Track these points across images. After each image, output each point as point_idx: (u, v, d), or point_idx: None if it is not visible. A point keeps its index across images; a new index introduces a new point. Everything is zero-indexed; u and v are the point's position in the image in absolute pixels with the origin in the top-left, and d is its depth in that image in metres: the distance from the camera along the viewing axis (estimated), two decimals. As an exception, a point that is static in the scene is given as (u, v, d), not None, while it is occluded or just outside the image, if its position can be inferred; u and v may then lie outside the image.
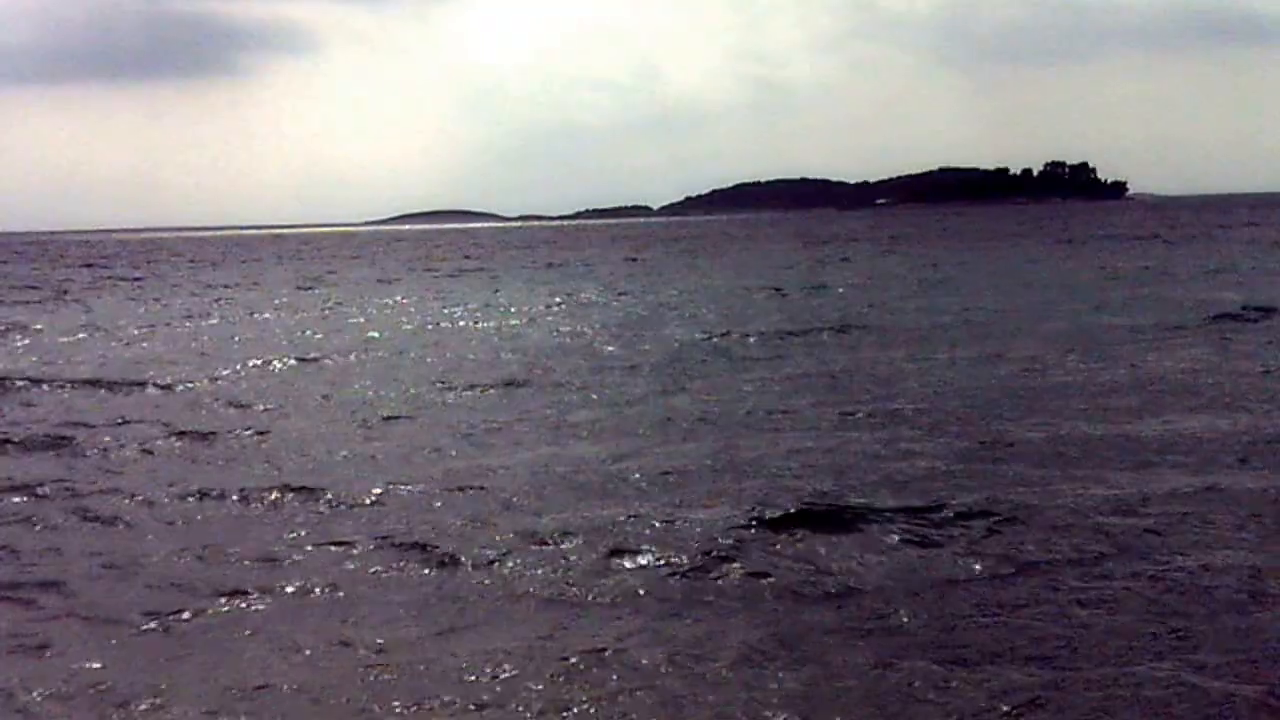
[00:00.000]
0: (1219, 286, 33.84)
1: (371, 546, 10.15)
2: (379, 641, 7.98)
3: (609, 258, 78.44)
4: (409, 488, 12.35)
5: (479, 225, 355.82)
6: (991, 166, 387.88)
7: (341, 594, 9.01)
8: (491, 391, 19.19)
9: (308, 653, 7.85)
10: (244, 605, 8.79)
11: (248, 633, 8.25)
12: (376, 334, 29.59)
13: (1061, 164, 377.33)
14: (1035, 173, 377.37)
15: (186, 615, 8.62)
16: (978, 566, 9.13)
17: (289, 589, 9.15)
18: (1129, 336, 23.09)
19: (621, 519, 10.64)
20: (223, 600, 8.90)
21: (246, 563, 9.86)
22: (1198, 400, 15.93)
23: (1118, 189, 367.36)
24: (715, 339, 25.57)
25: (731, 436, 14.59)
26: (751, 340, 25.08)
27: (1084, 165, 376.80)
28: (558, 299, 39.92)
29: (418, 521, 10.98)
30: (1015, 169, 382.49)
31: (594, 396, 18.27)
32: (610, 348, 24.76)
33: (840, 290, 38.92)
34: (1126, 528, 9.94)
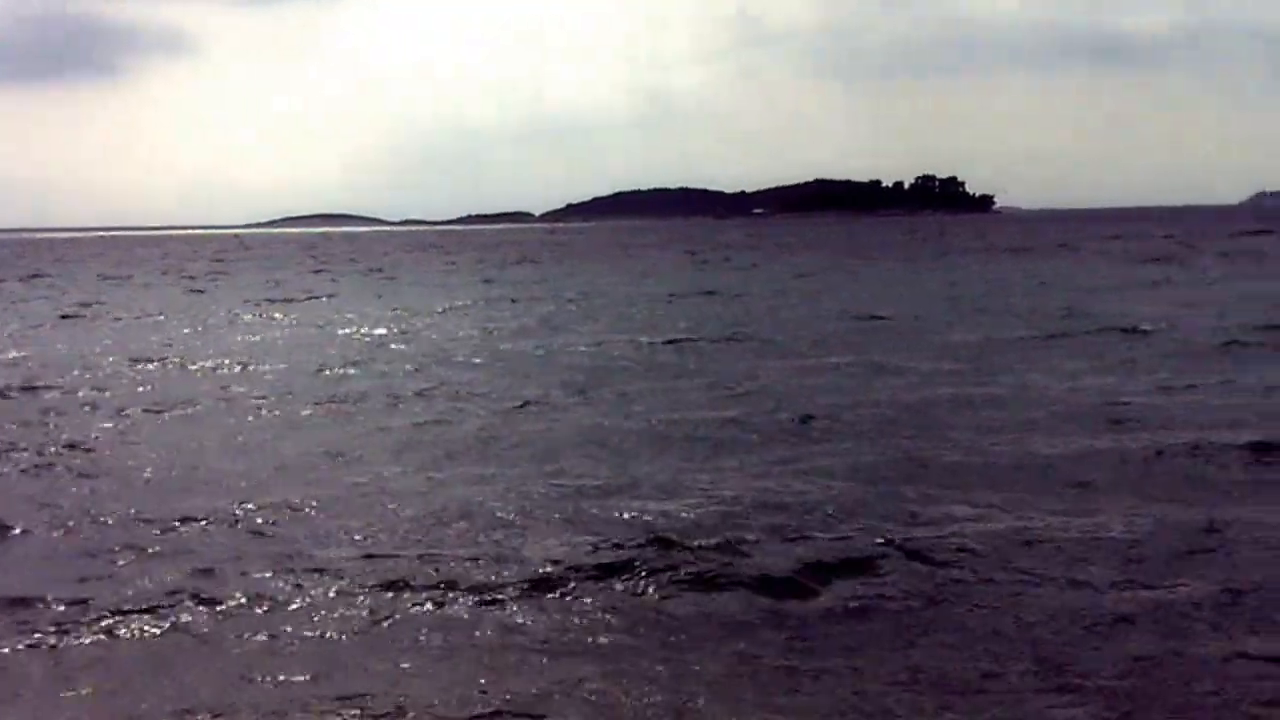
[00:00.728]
0: (1087, 300, 34.91)
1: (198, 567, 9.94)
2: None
3: (504, 260, 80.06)
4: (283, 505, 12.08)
5: (362, 229, 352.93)
6: (865, 179, 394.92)
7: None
8: (363, 403, 19.12)
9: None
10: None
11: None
12: (278, 344, 29.28)
13: (932, 177, 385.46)
14: (907, 185, 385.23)
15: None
16: (826, 605, 8.75)
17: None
18: (1009, 347, 23.81)
19: (453, 550, 10.23)
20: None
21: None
22: (1078, 417, 16.01)
23: (986, 202, 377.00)
24: (605, 347, 25.67)
25: (613, 457, 14.26)
26: (644, 349, 25.26)
27: (953, 179, 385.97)
28: (446, 306, 40.68)
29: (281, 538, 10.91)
30: (888, 181, 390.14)
31: (479, 411, 17.98)
32: (502, 354, 24.94)
33: (727, 298, 39.66)
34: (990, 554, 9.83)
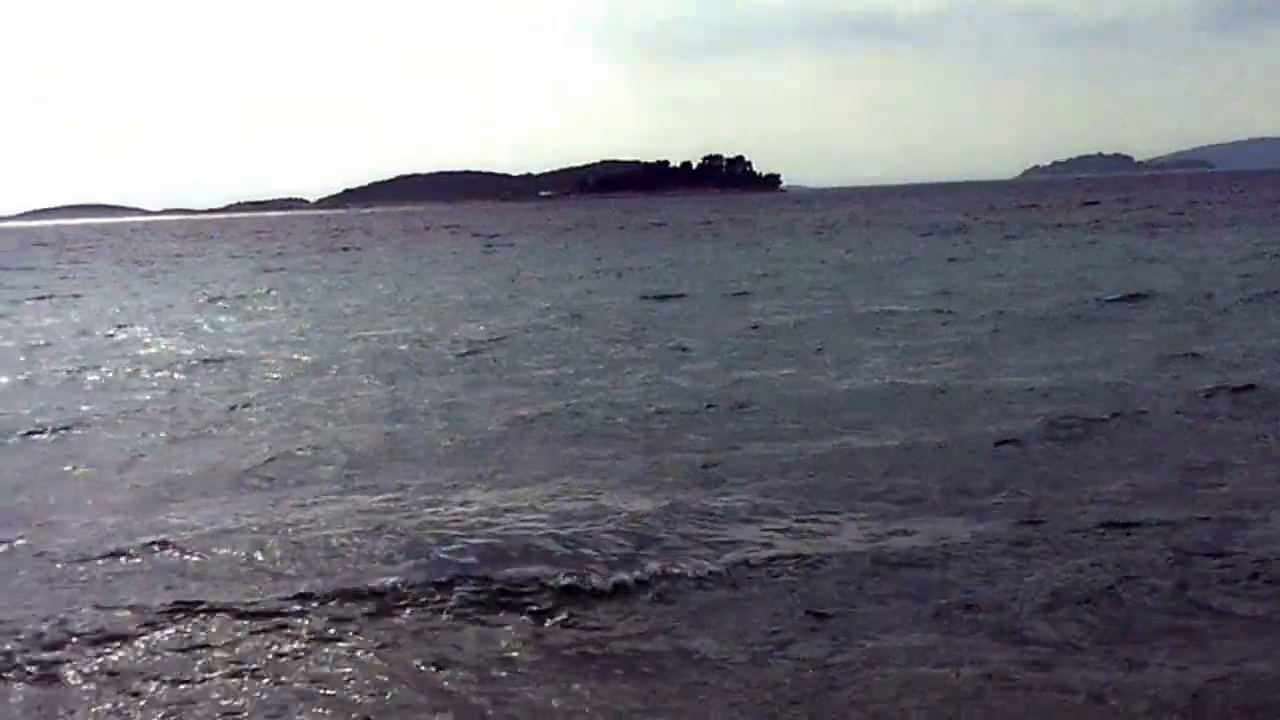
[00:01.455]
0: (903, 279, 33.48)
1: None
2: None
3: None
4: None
5: (121, 220, 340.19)
6: (652, 159, 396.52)
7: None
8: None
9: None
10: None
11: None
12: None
13: (719, 157, 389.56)
14: (694, 165, 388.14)
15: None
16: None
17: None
18: (822, 332, 22.13)
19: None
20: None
21: None
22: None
23: (773, 181, 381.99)
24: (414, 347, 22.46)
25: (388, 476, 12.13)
26: (462, 346, 22.07)
27: (740, 158, 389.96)
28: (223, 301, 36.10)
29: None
30: (675, 161, 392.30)
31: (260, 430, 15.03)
32: (283, 360, 21.44)
33: (531, 285, 37.35)
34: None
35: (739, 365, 18.43)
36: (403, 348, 22.37)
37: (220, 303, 35.35)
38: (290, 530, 9.88)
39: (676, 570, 8.59)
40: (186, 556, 9.35)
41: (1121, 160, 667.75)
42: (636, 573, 8.54)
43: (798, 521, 9.73)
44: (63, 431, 14.98)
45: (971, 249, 46.50)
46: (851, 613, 7.75)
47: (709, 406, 15.04)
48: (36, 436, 14.87)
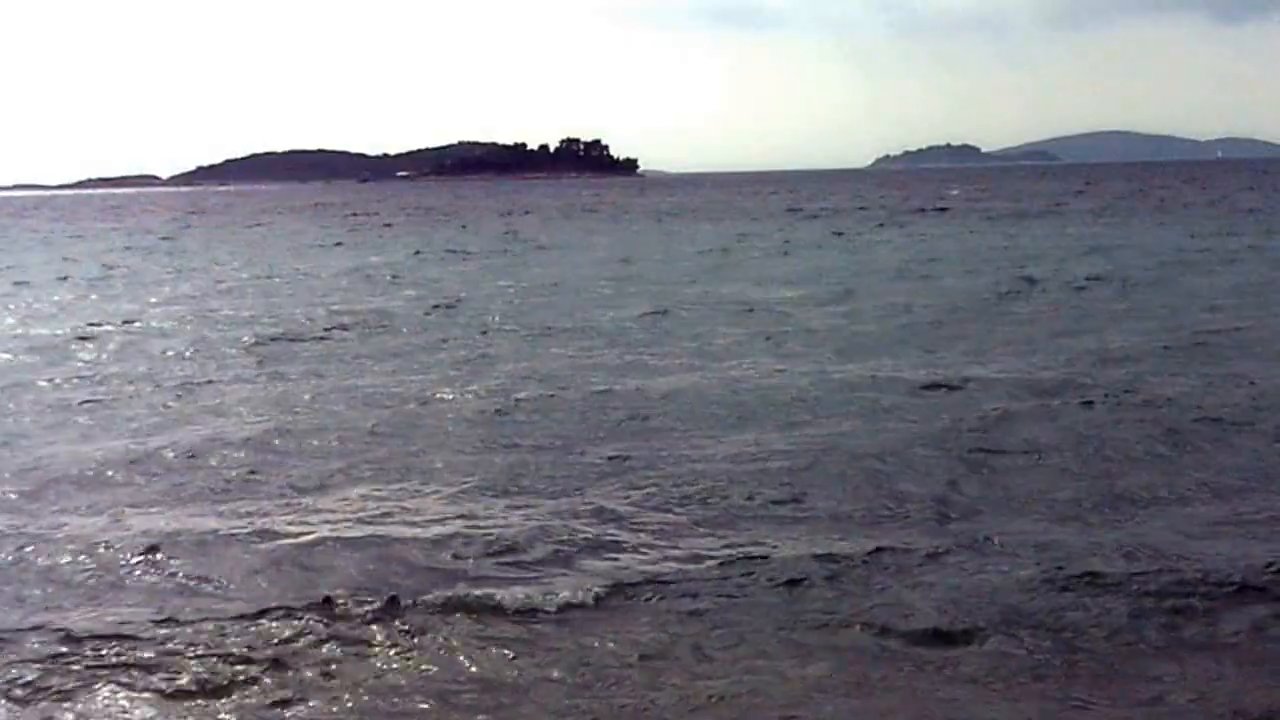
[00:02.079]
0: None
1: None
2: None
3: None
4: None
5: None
6: (510, 142, 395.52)
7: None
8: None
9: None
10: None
11: None
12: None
13: (576, 140, 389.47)
14: (553, 149, 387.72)
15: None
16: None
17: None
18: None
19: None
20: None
21: None
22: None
23: (630, 165, 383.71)
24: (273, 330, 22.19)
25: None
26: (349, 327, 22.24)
27: (598, 142, 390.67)
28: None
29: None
30: (534, 145, 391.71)
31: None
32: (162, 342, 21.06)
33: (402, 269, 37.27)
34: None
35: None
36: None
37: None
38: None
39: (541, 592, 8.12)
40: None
41: (969, 151, 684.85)
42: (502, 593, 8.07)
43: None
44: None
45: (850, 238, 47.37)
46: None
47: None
48: None
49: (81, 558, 9.10)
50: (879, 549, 8.82)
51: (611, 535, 9.39)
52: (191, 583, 8.61)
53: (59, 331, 22.87)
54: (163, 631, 7.58)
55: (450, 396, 15.29)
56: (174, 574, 8.78)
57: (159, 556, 9.08)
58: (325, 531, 9.55)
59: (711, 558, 8.78)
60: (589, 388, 15.51)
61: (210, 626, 7.65)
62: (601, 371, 16.87)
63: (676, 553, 8.94)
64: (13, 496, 10.91)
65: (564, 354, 18.66)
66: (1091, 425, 12.62)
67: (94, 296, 30.48)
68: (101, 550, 9.24)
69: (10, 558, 9.17)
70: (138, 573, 8.84)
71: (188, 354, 19.73)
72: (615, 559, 8.86)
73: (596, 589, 8.13)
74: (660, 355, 18.24)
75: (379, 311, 24.82)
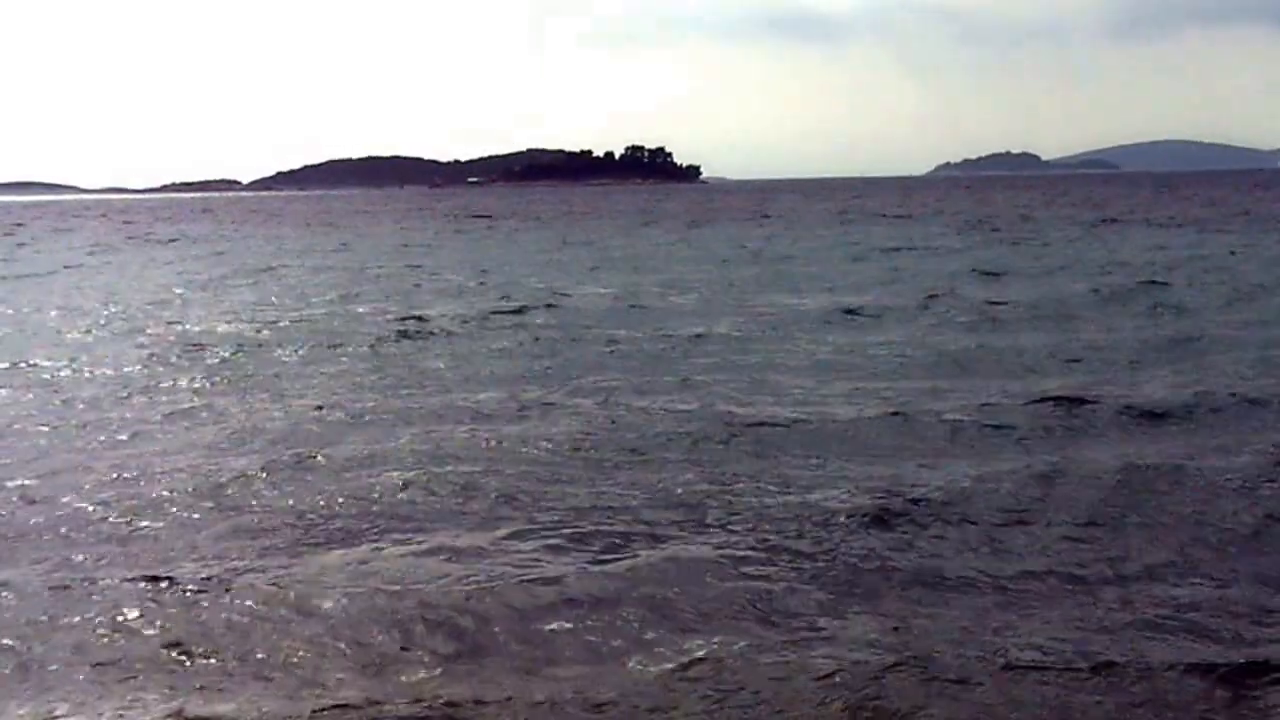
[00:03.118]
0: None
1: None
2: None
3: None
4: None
5: (58, 198, 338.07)
6: (578, 149, 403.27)
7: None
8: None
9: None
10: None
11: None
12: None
13: (641, 148, 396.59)
14: (618, 156, 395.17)
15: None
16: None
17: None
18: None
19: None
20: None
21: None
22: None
23: (693, 172, 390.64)
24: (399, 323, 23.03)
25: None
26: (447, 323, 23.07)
27: (661, 149, 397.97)
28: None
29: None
30: (599, 152, 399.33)
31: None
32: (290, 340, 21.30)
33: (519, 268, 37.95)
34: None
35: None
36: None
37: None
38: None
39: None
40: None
41: (1030, 159, 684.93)
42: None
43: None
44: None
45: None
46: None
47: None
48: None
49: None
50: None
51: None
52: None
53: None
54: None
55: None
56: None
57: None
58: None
59: None
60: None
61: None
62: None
63: None
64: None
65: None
66: None
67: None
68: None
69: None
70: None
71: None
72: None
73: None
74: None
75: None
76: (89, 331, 23.50)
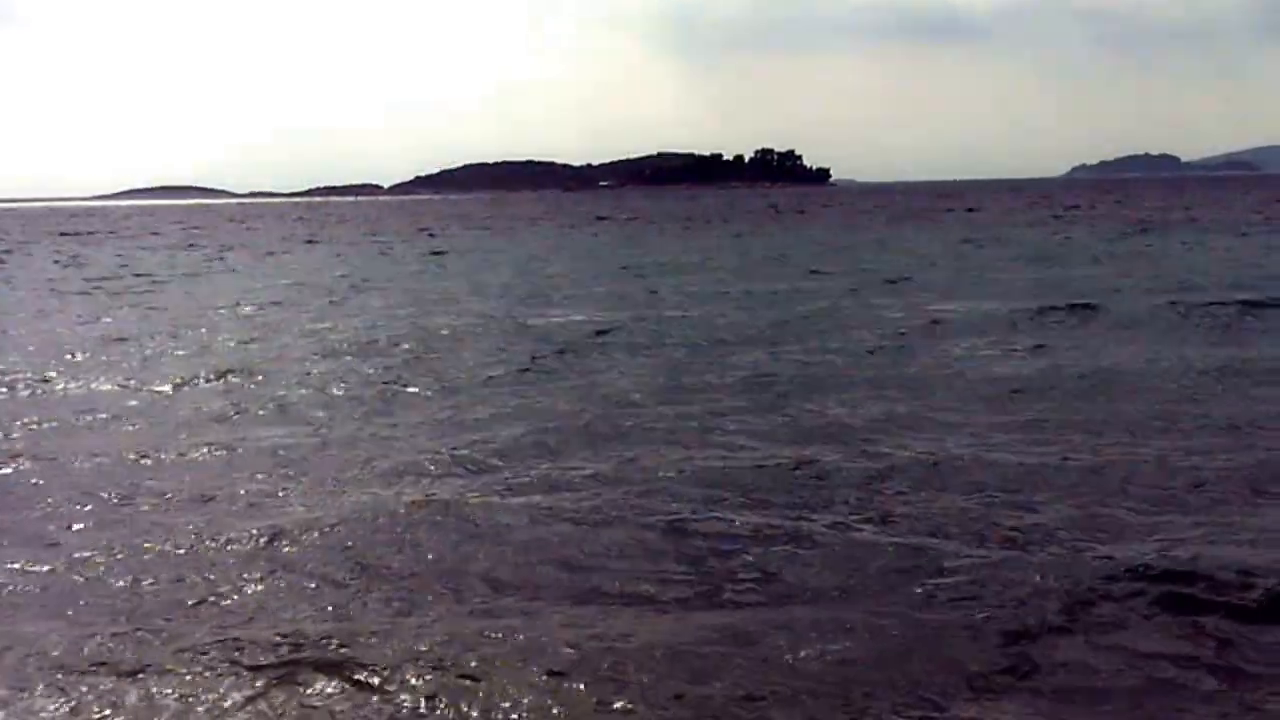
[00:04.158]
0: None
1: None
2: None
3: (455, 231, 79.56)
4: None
5: (210, 201, 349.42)
6: (707, 152, 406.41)
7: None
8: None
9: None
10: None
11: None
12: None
13: (771, 151, 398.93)
14: (747, 159, 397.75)
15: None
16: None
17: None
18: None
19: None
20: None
21: None
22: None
23: (823, 175, 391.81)
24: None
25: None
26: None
27: (791, 152, 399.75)
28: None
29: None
30: (729, 154, 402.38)
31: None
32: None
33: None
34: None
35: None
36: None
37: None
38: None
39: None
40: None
41: (1168, 160, 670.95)
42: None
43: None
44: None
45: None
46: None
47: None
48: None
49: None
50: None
51: None
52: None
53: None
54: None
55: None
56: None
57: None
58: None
59: None
60: None
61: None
62: None
63: None
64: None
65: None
66: None
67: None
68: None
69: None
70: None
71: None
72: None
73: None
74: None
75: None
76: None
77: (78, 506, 10.52)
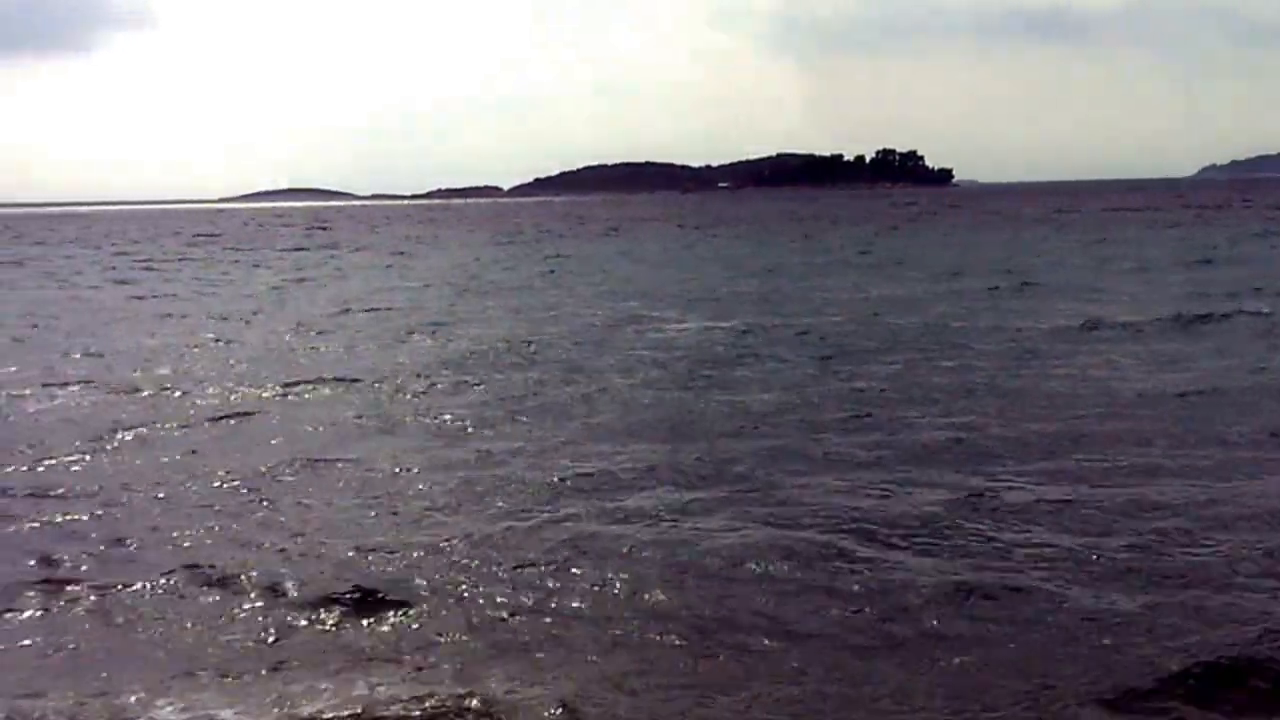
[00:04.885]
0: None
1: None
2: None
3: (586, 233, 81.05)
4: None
5: (334, 204, 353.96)
6: (827, 153, 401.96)
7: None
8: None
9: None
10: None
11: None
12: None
13: (892, 151, 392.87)
14: (868, 159, 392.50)
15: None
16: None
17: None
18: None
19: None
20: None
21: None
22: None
23: (945, 176, 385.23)
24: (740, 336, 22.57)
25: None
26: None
27: (913, 153, 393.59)
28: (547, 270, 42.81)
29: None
30: (849, 155, 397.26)
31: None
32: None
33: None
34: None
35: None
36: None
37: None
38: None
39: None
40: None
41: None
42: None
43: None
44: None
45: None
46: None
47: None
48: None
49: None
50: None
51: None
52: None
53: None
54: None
55: None
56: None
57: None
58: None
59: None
60: None
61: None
62: None
63: None
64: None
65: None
66: None
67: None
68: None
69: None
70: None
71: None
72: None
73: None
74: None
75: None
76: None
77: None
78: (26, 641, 8.03)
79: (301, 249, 66.31)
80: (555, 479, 11.87)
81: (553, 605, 8.43)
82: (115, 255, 62.77)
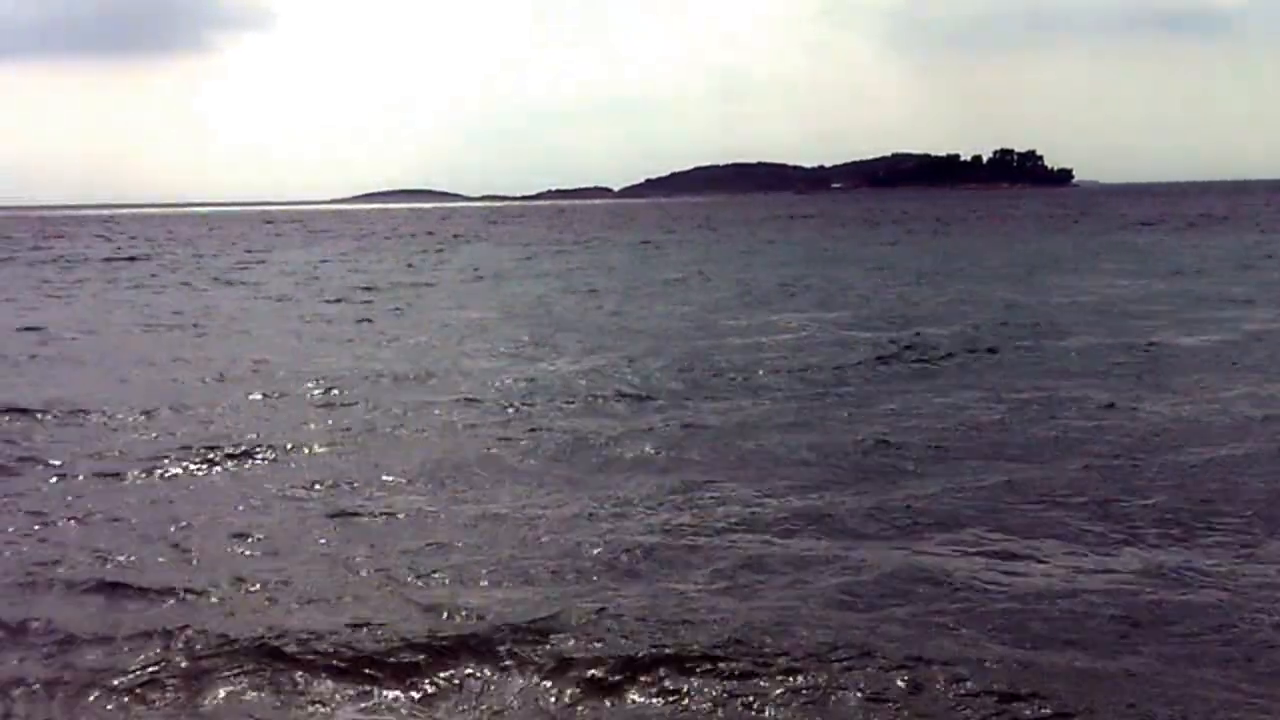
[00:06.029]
0: None
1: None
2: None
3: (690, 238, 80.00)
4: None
5: (445, 205, 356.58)
6: (943, 153, 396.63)
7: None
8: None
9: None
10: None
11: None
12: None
13: (1010, 151, 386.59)
14: (985, 159, 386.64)
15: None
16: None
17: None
18: None
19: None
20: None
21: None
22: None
23: (1065, 176, 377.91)
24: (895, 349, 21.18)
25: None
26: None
27: (1032, 153, 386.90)
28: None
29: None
30: (966, 155, 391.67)
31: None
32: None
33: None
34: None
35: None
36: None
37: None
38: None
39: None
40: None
41: None
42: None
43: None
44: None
45: None
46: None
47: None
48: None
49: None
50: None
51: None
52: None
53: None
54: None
55: None
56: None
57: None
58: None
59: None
60: None
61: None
62: None
63: None
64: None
65: None
66: None
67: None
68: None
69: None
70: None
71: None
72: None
73: None
74: None
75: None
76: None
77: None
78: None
79: (564, 250, 64.66)
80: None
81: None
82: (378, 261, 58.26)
